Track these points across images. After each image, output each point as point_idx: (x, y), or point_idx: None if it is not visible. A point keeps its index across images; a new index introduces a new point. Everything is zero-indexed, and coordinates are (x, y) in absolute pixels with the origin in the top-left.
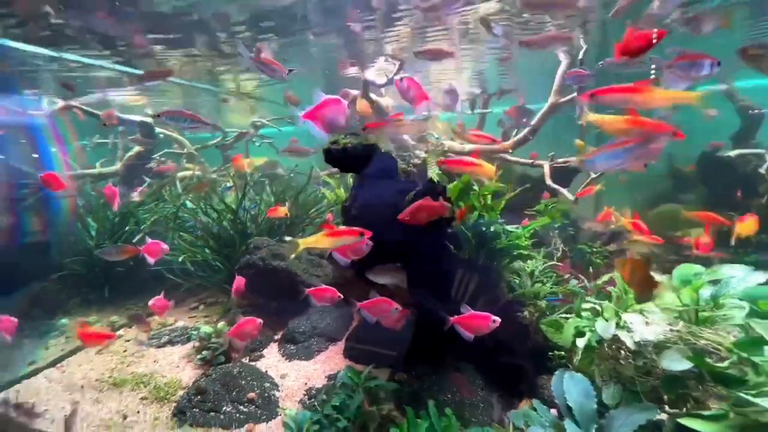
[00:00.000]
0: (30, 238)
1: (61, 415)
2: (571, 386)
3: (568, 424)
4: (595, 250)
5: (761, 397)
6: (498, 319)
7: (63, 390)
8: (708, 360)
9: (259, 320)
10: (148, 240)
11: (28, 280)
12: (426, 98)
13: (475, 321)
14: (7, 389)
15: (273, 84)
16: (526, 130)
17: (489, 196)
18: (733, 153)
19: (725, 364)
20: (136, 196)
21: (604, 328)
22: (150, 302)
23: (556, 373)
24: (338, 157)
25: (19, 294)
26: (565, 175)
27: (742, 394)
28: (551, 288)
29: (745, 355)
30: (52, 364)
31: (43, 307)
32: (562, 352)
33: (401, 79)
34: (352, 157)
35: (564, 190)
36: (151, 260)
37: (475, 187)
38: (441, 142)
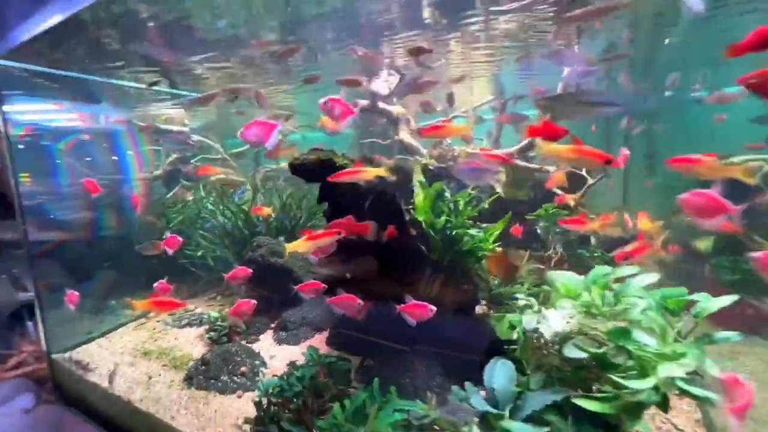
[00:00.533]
0: (104, 232)
1: (106, 372)
2: (499, 372)
3: (474, 398)
4: (595, 254)
5: (629, 380)
6: (434, 308)
7: (109, 354)
8: (596, 349)
9: (253, 301)
10: (168, 234)
11: (100, 269)
12: (351, 113)
13: (416, 309)
14: (71, 350)
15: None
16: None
17: (461, 202)
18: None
19: (602, 350)
20: (188, 195)
21: (528, 321)
22: (154, 285)
23: (491, 361)
24: (299, 170)
25: (92, 280)
26: (576, 182)
27: (614, 377)
28: (528, 289)
29: (619, 342)
30: (103, 335)
31: (100, 291)
32: (514, 346)
33: (325, 102)
34: (309, 170)
35: (567, 196)
36: (170, 251)
37: (447, 194)
38: (452, 147)
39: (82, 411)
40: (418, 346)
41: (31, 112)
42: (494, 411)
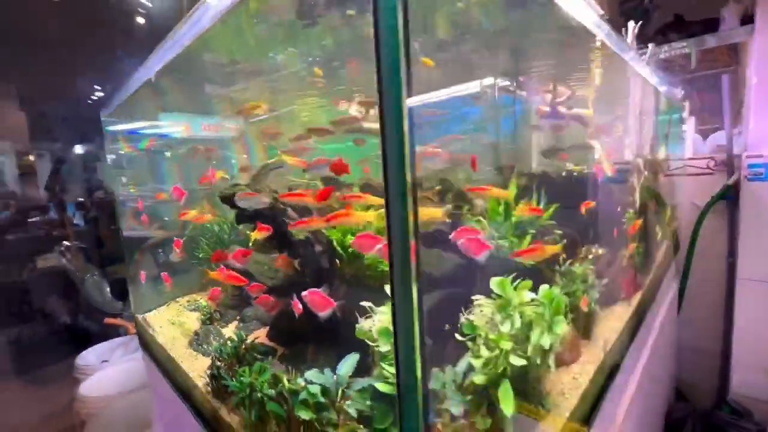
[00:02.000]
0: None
1: (155, 329)
2: (345, 362)
3: (308, 374)
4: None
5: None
6: (301, 307)
7: (157, 321)
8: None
9: (219, 288)
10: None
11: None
12: (214, 175)
13: (296, 306)
14: (143, 314)
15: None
16: None
17: (373, 224)
18: None
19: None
20: None
21: (366, 324)
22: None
23: (348, 354)
24: (223, 200)
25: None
26: None
27: (382, 365)
28: None
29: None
30: (155, 308)
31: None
32: None
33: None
34: (225, 199)
35: None
36: (178, 252)
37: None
38: None
39: (149, 355)
40: (328, 342)
41: (159, 126)
42: (320, 383)
